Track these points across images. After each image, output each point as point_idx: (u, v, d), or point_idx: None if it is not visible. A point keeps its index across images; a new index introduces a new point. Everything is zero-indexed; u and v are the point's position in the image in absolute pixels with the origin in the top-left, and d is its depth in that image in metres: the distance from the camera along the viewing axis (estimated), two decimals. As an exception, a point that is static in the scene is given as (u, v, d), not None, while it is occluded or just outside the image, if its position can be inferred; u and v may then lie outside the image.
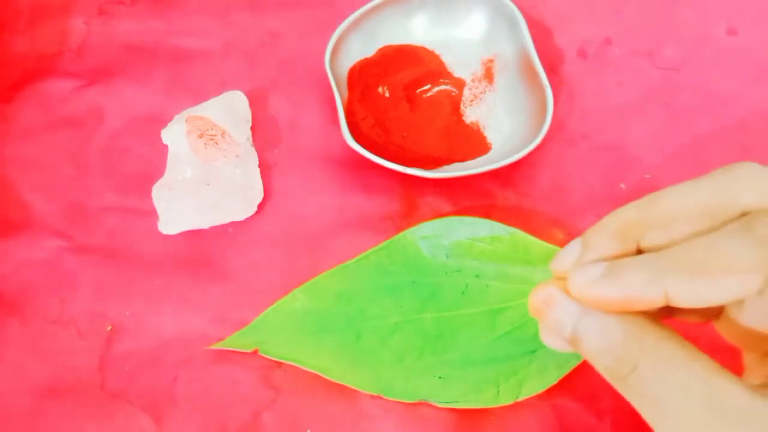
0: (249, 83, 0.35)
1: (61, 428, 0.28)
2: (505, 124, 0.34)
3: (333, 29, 0.33)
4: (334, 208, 0.33)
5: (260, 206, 0.32)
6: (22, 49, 0.37)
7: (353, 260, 0.30)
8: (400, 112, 0.34)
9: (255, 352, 0.29)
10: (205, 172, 0.32)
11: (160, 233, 0.31)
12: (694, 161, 0.34)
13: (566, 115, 0.35)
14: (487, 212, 0.32)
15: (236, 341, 0.29)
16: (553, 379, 0.27)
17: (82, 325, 0.30)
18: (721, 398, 0.16)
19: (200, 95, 0.35)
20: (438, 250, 0.30)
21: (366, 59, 0.35)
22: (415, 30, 0.35)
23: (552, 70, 0.36)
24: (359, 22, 0.34)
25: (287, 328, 0.29)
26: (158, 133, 0.33)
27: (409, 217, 0.32)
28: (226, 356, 0.29)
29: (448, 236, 0.30)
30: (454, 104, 0.35)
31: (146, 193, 0.32)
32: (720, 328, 0.20)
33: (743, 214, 0.17)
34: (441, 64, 0.35)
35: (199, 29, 0.37)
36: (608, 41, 0.37)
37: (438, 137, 0.34)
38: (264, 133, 0.34)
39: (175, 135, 0.32)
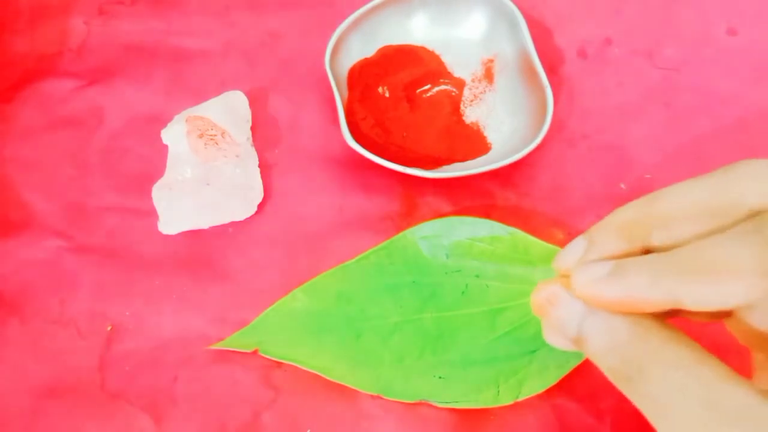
0: (249, 83, 0.35)
1: (61, 428, 0.28)
2: (505, 124, 0.34)
3: (333, 29, 0.33)
4: (334, 208, 0.33)
5: (260, 206, 0.32)
6: (22, 49, 0.37)
7: (353, 260, 0.30)
8: (400, 112, 0.34)
9: (255, 352, 0.29)
10: (205, 172, 0.32)
11: (160, 233, 0.31)
12: (694, 161, 0.34)
13: (566, 115, 0.35)
14: (487, 212, 0.32)
15: (236, 341, 0.29)
16: (553, 379, 0.27)
17: (82, 325, 0.30)
18: (720, 399, 0.16)
19: (200, 95, 0.35)
20: (438, 250, 0.30)
21: (366, 59, 0.35)
22: (415, 30, 0.35)
23: (552, 70, 0.35)
24: (359, 22, 0.34)
25: (287, 328, 0.29)
26: (158, 133, 0.33)
27: (409, 217, 0.32)
28: (226, 356, 0.29)
29: (448, 236, 0.30)
30: (454, 104, 0.35)
31: (146, 193, 0.32)
32: (731, 326, 0.20)
33: (750, 213, 0.17)
34: (441, 64, 0.35)
35: (199, 29, 0.37)
36: (608, 41, 0.37)
37: (438, 137, 0.34)
38: (264, 133, 0.34)
39: (175, 135, 0.32)
